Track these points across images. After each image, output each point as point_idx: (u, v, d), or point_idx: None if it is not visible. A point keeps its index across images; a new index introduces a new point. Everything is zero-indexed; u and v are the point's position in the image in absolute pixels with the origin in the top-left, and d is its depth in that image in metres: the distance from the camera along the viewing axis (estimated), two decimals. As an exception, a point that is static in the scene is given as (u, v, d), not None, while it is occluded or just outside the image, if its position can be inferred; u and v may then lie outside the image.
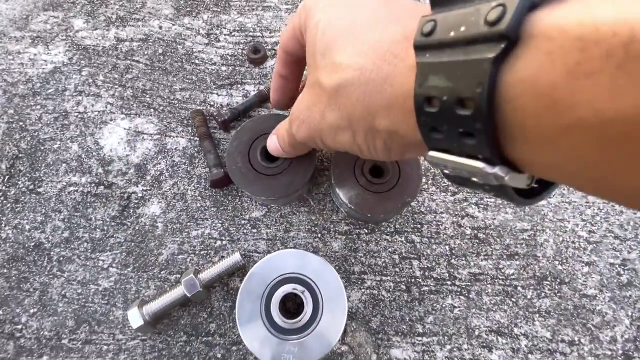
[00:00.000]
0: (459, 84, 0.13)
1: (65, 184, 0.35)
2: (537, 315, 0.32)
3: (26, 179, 0.35)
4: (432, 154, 0.15)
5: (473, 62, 0.12)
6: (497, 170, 0.13)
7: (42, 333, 0.30)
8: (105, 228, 0.33)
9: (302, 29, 0.22)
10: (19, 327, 0.30)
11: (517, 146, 0.12)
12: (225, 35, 0.41)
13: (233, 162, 0.30)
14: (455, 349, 0.30)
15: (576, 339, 0.31)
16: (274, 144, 0.28)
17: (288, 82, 0.27)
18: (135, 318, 0.28)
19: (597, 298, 0.32)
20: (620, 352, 0.31)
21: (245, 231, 0.33)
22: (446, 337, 0.31)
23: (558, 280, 0.32)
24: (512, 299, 0.32)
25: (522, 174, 0.13)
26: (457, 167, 0.14)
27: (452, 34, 0.13)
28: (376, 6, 0.19)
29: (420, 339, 0.31)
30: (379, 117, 0.17)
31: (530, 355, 0.30)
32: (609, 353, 0.31)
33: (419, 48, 0.14)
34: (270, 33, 0.42)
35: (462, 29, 0.12)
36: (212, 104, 0.38)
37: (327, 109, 0.20)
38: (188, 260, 0.32)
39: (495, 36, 0.11)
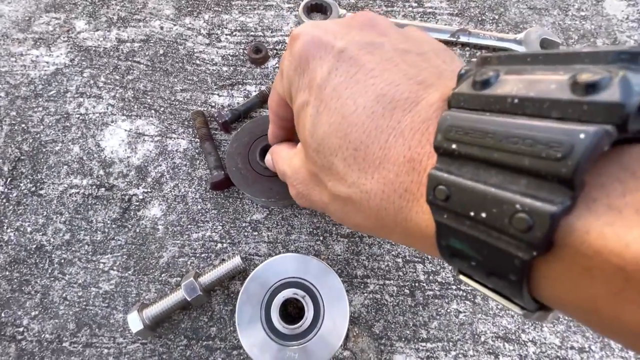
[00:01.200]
0: (488, 262, 0.12)
1: (66, 185, 0.34)
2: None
3: (28, 180, 0.35)
4: (461, 276, 0.14)
5: (502, 251, 0.11)
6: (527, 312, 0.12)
7: (43, 336, 0.30)
8: (106, 230, 0.33)
9: (287, 97, 0.21)
10: (20, 329, 0.30)
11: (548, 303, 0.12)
12: (226, 35, 0.41)
13: (233, 163, 0.30)
14: (460, 355, 0.30)
15: (586, 345, 0.30)
16: (271, 165, 0.27)
17: (287, 133, 0.26)
18: (135, 322, 0.27)
19: (608, 303, 0.31)
20: (633, 359, 0.30)
21: (246, 234, 0.33)
22: (451, 343, 0.30)
23: (567, 285, 0.31)
24: (520, 304, 0.31)
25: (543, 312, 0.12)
26: (483, 291, 0.13)
27: (472, 213, 0.11)
28: (371, 101, 0.16)
29: (424, 344, 0.30)
30: (393, 234, 0.17)
31: (538, 362, 0.30)
32: (621, 360, 0.30)
33: (433, 206, 0.13)
34: (271, 32, 0.41)
35: (483, 215, 0.11)
36: (213, 104, 0.38)
37: (330, 203, 0.19)
38: (188, 262, 0.32)
39: (524, 242, 0.10)
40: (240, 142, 0.31)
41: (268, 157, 0.28)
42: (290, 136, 0.26)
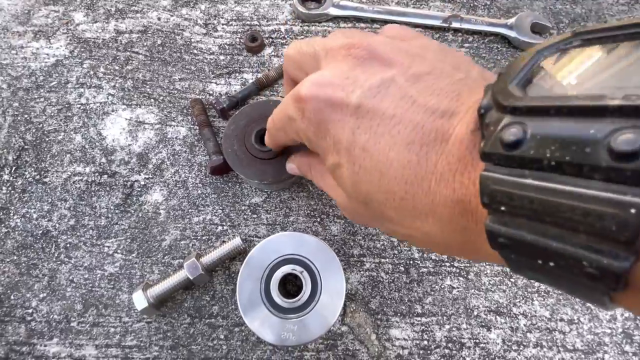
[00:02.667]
0: (568, 290, 0.12)
1: (69, 173, 0.35)
2: (536, 295, 0.32)
3: (32, 169, 0.36)
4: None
5: (580, 285, 0.11)
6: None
7: (51, 316, 0.31)
8: (110, 215, 0.34)
9: (306, 141, 0.21)
10: (30, 310, 0.31)
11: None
12: (222, 24, 0.42)
13: (229, 145, 0.31)
14: (454, 329, 0.31)
15: (575, 317, 0.31)
16: (296, 172, 0.27)
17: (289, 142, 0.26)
18: (140, 300, 0.29)
19: (597, 277, 0.32)
20: (620, 330, 0.31)
21: (245, 216, 0.34)
22: (445, 317, 0.31)
23: (557, 260, 0.32)
24: (511, 280, 0.32)
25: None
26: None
27: (540, 262, 0.11)
28: (402, 152, 0.16)
29: (419, 319, 0.31)
30: (465, 256, 0.17)
31: (529, 334, 0.31)
32: (608, 331, 0.31)
33: (499, 251, 0.13)
34: (267, 21, 0.42)
35: (551, 264, 0.11)
36: (211, 92, 0.38)
37: (390, 234, 0.20)
38: (190, 245, 0.33)
39: (598, 289, 0.10)
40: (237, 125, 0.31)
41: (292, 166, 0.27)
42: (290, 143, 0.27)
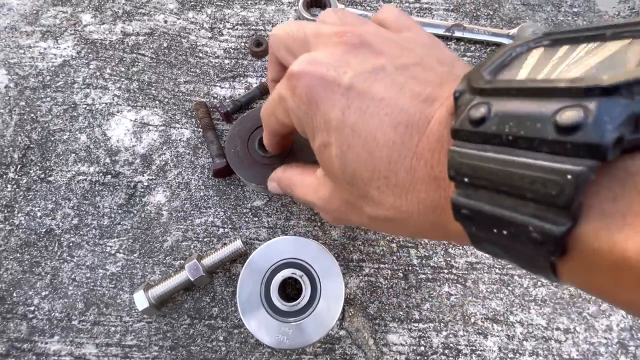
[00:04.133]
0: (519, 261, 0.13)
1: (74, 173, 0.36)
2: (533, 304, 0.32)
3: (37, 168, 0.36)
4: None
5: (527, 255, 0.12)
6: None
7: (53, 314, 0.31)
8: (113, 215, 0.34)
9: (299, 130, 0.21)
10: (32, 308, 0.32)
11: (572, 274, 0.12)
12: (228, 28, 0.42)
13: (232, 145, 0.31)
14: (451, 335, 0.31)
15: (571, 326, 0.31)
16: (277, 190, 0.27)
17: (284, 141, 0.27)
18: (141, 300, 0.29)
19: (593, 287, 0.32)
20: (615, 340, 0.31)
21: (246, 219, 0.34)
22: (442, 324, 0.31)
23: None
24: (508, 288, 0.33)
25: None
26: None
27: (495, 230, 0.13)
28: (389, 132, 0.17)
29: (416, 324, 0.31)
30: (433, 237, 0.19)
31: (525, 342, 0.31)
32: (604, 341, 0.31)
33: (461, 222, 0.14)
34: (272, 26, 0.42)
35: (504, 232, 0.12)
36: (215, 96, 0.39)
37: (369, 222, 0.21)
38: (191, 246, 0.33)
39: (542, 252, 0.12)
40: (243, 127, 0.32)
41: (274, 185, 0.27)
42: (285, 144, 0.28)
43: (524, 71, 0.13)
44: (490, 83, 0.13)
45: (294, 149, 0.30)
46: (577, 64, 0.12)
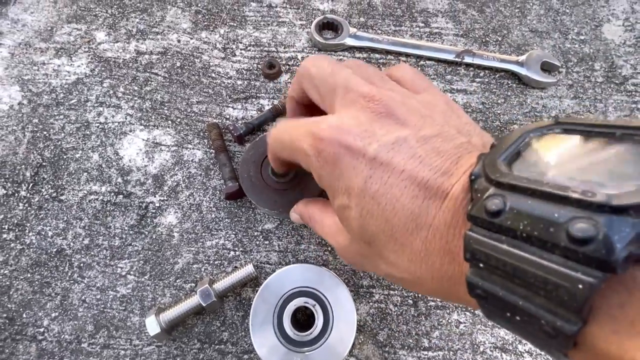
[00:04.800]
0: (531, 341, 0.13)
1: (86, 192, 0.36)
2: (541, 333, 0.32)
3: (49, 186, 0.36)
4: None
5: (540, 339, 0.13)
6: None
7: (62, 336, 0.31)
8: (124, 236, 0.34)
9: (316, 177, 0.22)
10: (41, 329, 0.31)
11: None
12: (240, 49, 0.43)
13: (245, 169, 0.32)
14: (459, 364, 0.31)
15: (579, 357, 0.32)
16: (299, 220, 0.28)
17: (291, 167, 0.28)
18: (152, 325, 0.29)
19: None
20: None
21: (257, 242, 0.34)
22: (451, 352, 0.31)
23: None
24: (517, 316, 0.33)
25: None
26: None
27: (508, 314, 0.13)
28: (407, 204, 0.18)
29: (425, 352, 0.31)
30: (448, 300, 0.19)
31: (533, 372, 0.31)
32: (612, 372, 0.31)
33: (476, 299, 0.14)
34: (284, 48, 0.43)
35: (517, 318, 0.13)
36: (228, 117, 0.39)
37: (385, 275, 0.21)
38: (202, 269, 0.33)
39: (553, 345, 0.12)
40: (257, 151, 0.32)
41: (296, 216, 0.28)
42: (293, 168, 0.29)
43: (542, 159, 0.14)
44: (506, 177, 0.14)
45: (303, 183, 0.31)
46: (589, 164, 0.13)
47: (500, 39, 0.44)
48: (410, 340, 0.32)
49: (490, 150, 0.16)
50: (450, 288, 0.17)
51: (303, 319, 0.31)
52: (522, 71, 0.41)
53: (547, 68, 0.42)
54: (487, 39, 0.44)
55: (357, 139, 0.19)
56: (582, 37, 0.44)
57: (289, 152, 0.23)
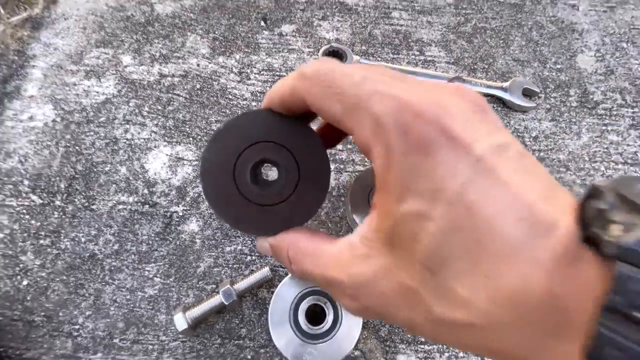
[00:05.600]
0: None
1: (115, 202, 0.40)
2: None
3: (82, 197, 0.40)
4: None
5: None
6: None
7: (96, 333, 0.35)
8: (150, 242, 0.38)
9: (378, 160, 0.16)
10: (76, 327, 0.35)
11: None
12: (254, 73, 0.47)
13: (210, 182, 0.20)
14: (452, 357, 0.35)
15: None
16: (268, 252, 0.21)
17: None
18: (180, 322, 0.32)
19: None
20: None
21: (271, 248, 0.38)
22: (445, 346, 0.35)
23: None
24: (502, 314, 0.37)
25: None
26: None
27: None
28: (509, 225, 0.13)
29: (422, 346, 0.35)
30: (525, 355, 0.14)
31: (516, 364, 0.35)
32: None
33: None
34: (294, 72, 0.48)
35: None
36: (243, 134, 0.43)
37: (426, 325, 0.16)
38: (222, 272, 0.37)
39: None
40: (222, 150, 0.20)
41: (265, 247, 0.21)
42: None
43: None
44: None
45: (302, 178, 0.20)
46: None
47: (486, 66, 0.50)
48: (409, 336, 0.36)
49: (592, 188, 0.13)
50: (541, 346, 0.13)
51: (314, 315, 0.35)
52: (506, 96, 0.46)
53: (527, 93, 0.47)
54: (475, 66, 0.49)
55: (463, 128, 0.14)
56: (558, 66, 0.50)
57: (336, 104, 0.16)
